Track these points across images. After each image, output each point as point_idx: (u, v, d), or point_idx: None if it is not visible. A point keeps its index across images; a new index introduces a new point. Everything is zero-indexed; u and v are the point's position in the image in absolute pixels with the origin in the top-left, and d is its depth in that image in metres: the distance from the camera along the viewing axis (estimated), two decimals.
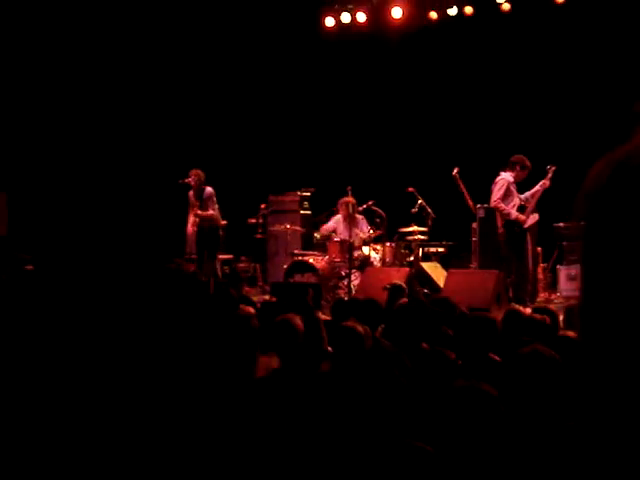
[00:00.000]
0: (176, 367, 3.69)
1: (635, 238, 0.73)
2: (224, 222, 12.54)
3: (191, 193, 11.70)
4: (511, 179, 10.11)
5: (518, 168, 10.08)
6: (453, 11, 13.47)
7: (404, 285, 7.94)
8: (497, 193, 10.06)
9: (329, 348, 4.96)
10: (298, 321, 4.36)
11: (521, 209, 10.07)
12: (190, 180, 11.53)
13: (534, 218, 10.14)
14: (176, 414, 3.40)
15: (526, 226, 10.06)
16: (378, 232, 11.71)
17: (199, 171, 11.63)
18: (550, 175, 10.03)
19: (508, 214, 9.99)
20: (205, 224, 11.61)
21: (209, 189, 11.66)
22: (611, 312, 0.76)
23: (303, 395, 3.58)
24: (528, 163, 10.10)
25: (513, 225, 10.03)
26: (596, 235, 0.77)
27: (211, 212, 11.60)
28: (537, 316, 4.90)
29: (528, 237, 10.14)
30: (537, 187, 10.09)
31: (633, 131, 0.80)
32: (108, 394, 3.48)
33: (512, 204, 10.07)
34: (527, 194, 10.21)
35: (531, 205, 10.08)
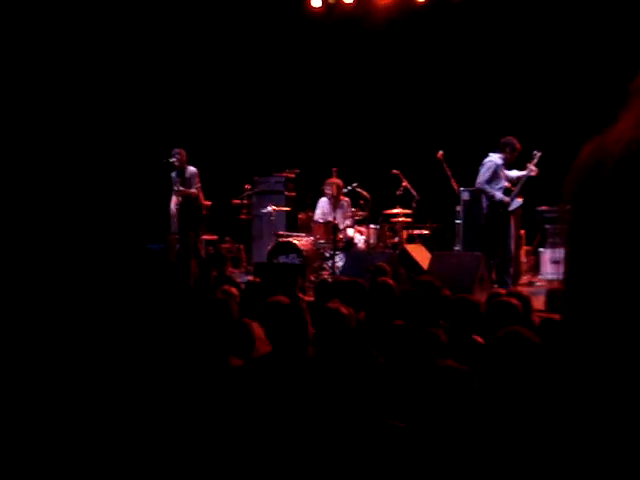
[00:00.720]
0: (154, 352, 3.68)
1: (618, 224, 0.74)
2: (208, 202, 12.52)
3: (174, 173, 11.65)
4: (500, 161, 10.08)
5: (508, 150, 10.04)
6: None
7: (387, 267, 7.95)
8: (483, 175, 10.06)
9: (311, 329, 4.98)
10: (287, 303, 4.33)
11: (507, 192, 10.08)
12: (174, 160, 11.49)
13: (518, 202, 10.14)
14: (157, 402, 3.40)
15: (510, 209, 10.08)
16: (362, 214, 11.73)
17: (182, 150, 11.58)
18: (535, 161, 9.98)
19: (492, 196, 10.00)
20: (188, 203, 11.57)
21: (192, 168, 11.62)
22: (594, 295, 0.77)
23: (291, 380, 3.59)
24: (518, 145, 10.06)
25: (498, 207, 10.04)
26: (582, 220, 0.78)
27: (193, 190, 11.56)
28: (514, 300, 4.93)
29: (512, 220, 10.16)
30: (523, 172, 10.06)
31: (619, 114, 0.80)
32: (93, 382, 3.48)
33: (498, 186, 10.07)
34: (515, 175, 10.16)
35: (516, 189, 10.08)
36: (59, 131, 13.24)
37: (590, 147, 0.78)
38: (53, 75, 13.27)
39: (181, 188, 11.51)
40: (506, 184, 10.10)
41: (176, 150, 11.54)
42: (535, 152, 10.03)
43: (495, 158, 10.08)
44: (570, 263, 0.81)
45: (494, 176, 10.05)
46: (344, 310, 4.59)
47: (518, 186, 10.07)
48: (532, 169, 9.97)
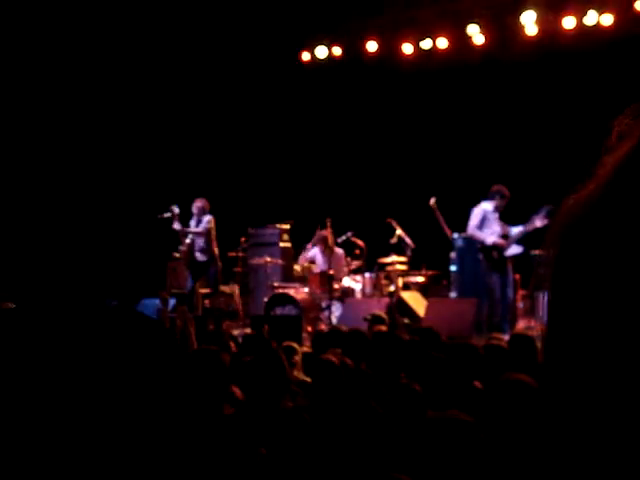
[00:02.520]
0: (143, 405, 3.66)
1: (589, 269, 0.78)
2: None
3: (193, 221, 11.71)
4: (490, 208, 10.25)
5: (498, 197, 10.24)
6: (427, 44, 13.66)
7: (384, 315, 7.97)
8: (472, 221, 10.25)
9: (308, 379, 4.98)
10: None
11: (503, 238, 10.19)
12: (169, 215, 11.58)
13: (517, 249, 10.23)
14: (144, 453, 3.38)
15: (507, 254, 10.16)
16: (358, 263, 11.77)
17: (204, 200, 11.71)
18: (544, 213, 9.98)
19: (483, 240, 10.13)
20: (198, 257, 11.63)
21: (209, 216, 11.75)
22: (575, 340, 0.80)
23: (268, 431, 3.57)
24: (507, 192, 10.23)
25: (491, 250, 10.14)
26: (559, 266, 0.82)
27: (199, 230, 11.62)
28: (514, 344, 4.95)
29: (509, 265, 10.22)
30: (527, 226, 10.10)
31: (596, 168, 0.85)
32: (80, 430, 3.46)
33: (490, 231, 10.18)
34: (518, 229, 10.24)
35: (514, 236, 10.19)
36: (54, 185, 13.29)
37: (568, 200, 0.84)
38: (43, 127, 13.37)
39: (183, 228, 11.52)
40: (499, 230, 10.19)
41: (198, 200, 11.63)
42: (544, 207, 10.01)
43: (485, 205, 10.23)
44: (550, 309, 0.85)
45: (484, 222, 10.19)
46: (336, 360, 4.59)
47: (517, 234, 10.15)
48: (538, 223, 9.97)
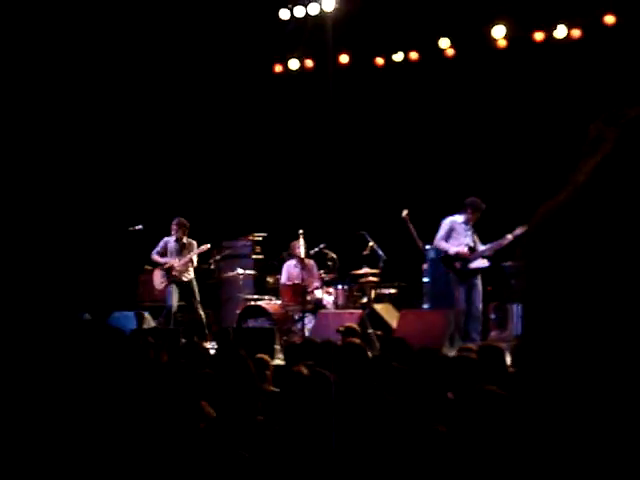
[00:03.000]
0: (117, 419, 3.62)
1: (562, 274, 0.78)
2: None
3: (171, 240, 11.73)
4: (459, 220, 10.31)
5: (470, 210, 10.30)
6: (399, 57, 13.74)
7: (357, 327, 7.97)
8: (439, 232, 10.40)
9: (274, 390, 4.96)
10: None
11: (470, 250, 10.24)
12: (140, 228, 11.60)
13: (482, 263, 10.30)
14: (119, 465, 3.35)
15: (473, 266, 10.21)
16: (330, 275, 11.77)
17: (185, 221, 11.76)
18: (517, 233, 10.02)
19: (446, 250, 10.18)
20: (185, 276, 11.67)
21: (193, 242, 11.84)
22: (546, 349, 0.80)
23: (240, 444, 3.55)
24: (480, 205, 10.28)
25: (453, 261, 10.22)
26: (534, 278, 0.82)
27: (190, 261, 11.72)
28: (483, 355, 4.97)
29: (476, 276, 10.28)
30: (499, 242, 10.20)
31: (571, 174, 0.86)
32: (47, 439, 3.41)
33: (458, 243, 10.24)
34: (488, 246, 10.33)
35: (483, 249, 10.26)
36: (31, 200, 13.18)
37: (542, 207, 0.84)
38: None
39: (179, 265, 11.59)
40: (468, 242, 10.24)
41: (182, 220, 11.68)
42: (519, 227, 10.03)
43: (455, 217, 10.31)
44: (526, 315, 0.85)
45: (451, 234, 10.28)
46: (305, 372, 4.57)
47: (487, 248, 10.22)
48: (508, 238, 10.08)
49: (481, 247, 10.34)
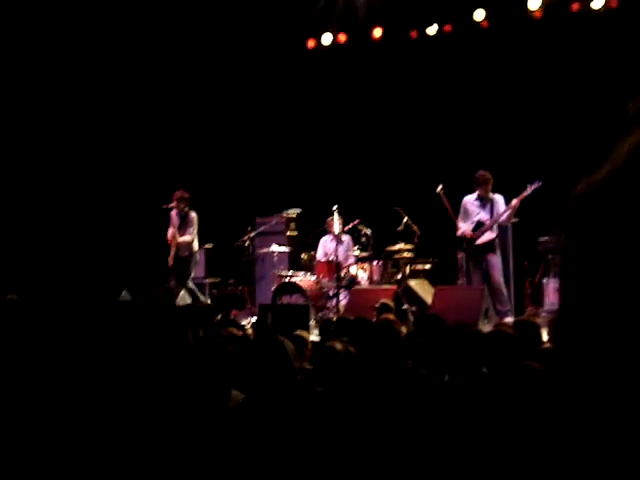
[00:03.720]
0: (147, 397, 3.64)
1: (605, 249, 0.75)
2: (209, 245, 12.59)
3: (174, 213, 11.70)
4: (470, 198, 10.44)
5: (476, 186, 10.34)
6: (433, 30, 13.58)
7: (391, 303, 7.95)
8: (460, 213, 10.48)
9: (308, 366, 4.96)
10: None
11: (479, 226, 10.25)
12: (173, 205, 11.57)
13: (490, 236, 10.25)
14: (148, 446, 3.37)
15: (481, 242, 10.18)
16: (365, 251, 11.74)
17: (184, 193, 11.62)
18: (524, 195, 10.05)
19: (457, 230, 10.40)
20: (182, 251, 11.62)
21: (193, 214, 11.68)
22: (585, 324, 0.78)
23: (273, 422, 3.54)
24: (484, 177, 10.29)
25: (461, 241, 10.38)
26: (573, 254, 0.79)
27: (187, 237, 11.60)
28: (519, 331, 4.93)
29: (489, 252, 10.27)
30: (505, 210, 10.23)
31: (610, 151, 0.83)
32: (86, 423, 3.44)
33: (470, 221, 10.37)
34: (495, 217, 10.31)
35: (489, 223, 10.24)
36: (60, 178, 13.31)
37: (581, 183, 0.81)
38: (51, 115, 13.39)
39: (179, 239, 11.53)
40: (478, 218, 10.27)
41: (178, 192, 11.59)
42: (528, 185, 10.09)
43: (467, 197, 10.44)
44: (564, 291, 0.83)
45: (465, 213, 10.43)
46: (340, 347, 4.56)
47: (492, 221, 10.23)
48: (513, 204, 10.09)
49: (485, 218, 10.33)
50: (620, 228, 0.73)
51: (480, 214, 10.36)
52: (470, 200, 10.45)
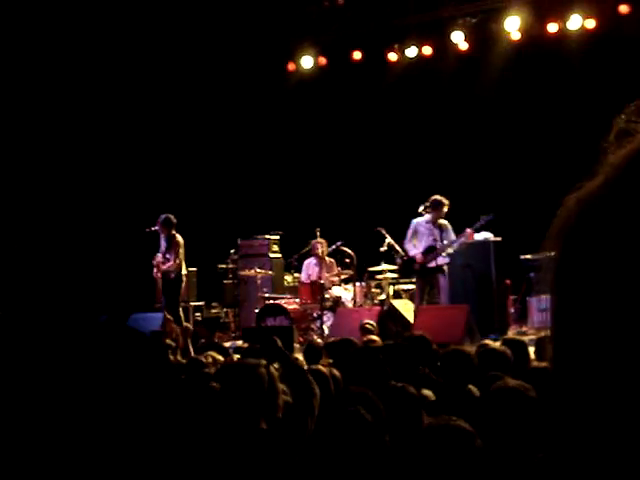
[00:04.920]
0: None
1: (600, 266, 0.76)
2: (193, 269, 12.53)
3: (161, 237, 11.62)
4: (421, 220, 10.65)
5: (430, 209, 10.61)
6: (412, 52, 13.71)
7: (374, 324, 7.95)
8: (406, 235, 10.75)
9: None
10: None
11: (431, 249, 10.45)
12: (157, 228, 11.47)
13: (441, 260, 10.51)
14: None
15: (432, 265, 10.42)
16: (348, 272, 11.75)
17: (168, 216, 11.51)
18: (478, 225, 10.39)
19: (406, 252, 10.67)
20: (168, 274, 11.52)
21: (178, 238, 11.55)
22: (583, 342, 0.78)
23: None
24: (440, 203, 10.44)
25: (412, 262, 10.59)
26: (566, 265, 0.80)
27: (169, 265, 11.46)
28: (507, 349, 4.93)
29: (437, 275, 10.50)
30: (459, 236, 10.44)
31: (598, 164, 0.84)
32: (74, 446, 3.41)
33: (419, 244, 10.57)
34: (446, 243, 10.56)
35: (440, 249, 10.46)
36: (45, 200, 13.24)
37: (570, 197, 0.82)
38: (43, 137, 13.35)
39: (162, 267, 11.41)
40: (429, 242, 10.51)
41: (162, 216, 11.48)
42: (482, 217, 10.32)
43: (418, 219, 10.66)
44: (557, 310, 0.83)
45: (414, 234, 10.64)
46: (324, 371, 4.55)
47: (445, 245, 10.37)
48: (466, 234, 10.28)
49: (441, 244, 10.51)
50: (618, 239, 0.73)
51: (429, 237, 10.49)
52: (421, 222, 10.67)
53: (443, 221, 10.60)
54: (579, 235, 0.76)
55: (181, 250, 11.51)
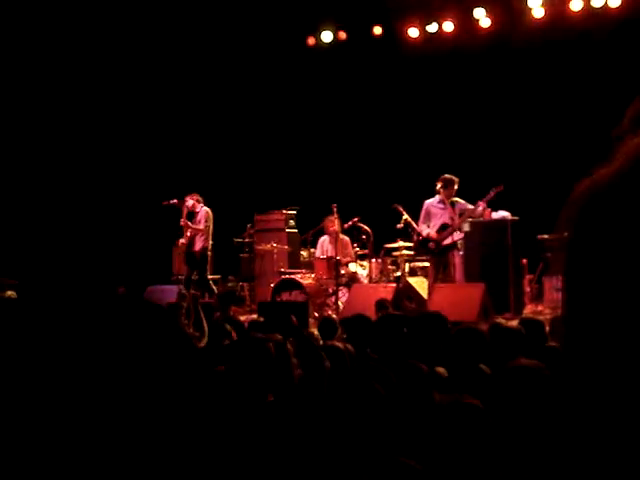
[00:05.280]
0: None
1: (615, 260, 0.76)
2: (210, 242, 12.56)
3: (185, 208, 11.72)
4: (432, 201, 10.57)
5: (440, 189, 10.52)
6: (433, 28, 13.61)
7: (389, 301, 7.95)
8: (421, 216, 10.68)
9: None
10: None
11: (444, 228, 10.40)
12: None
13: (458, 235, 10.45)
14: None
15: (446, 242, 10.25)
16: (364, 249, 11.75)
17: (195, 195, 11.69)
18: (487, 197, 10.29)
19: (420, 232, 10.57)
20: (194, 246, 11.61)
21: (205, 208, 11.73)
22: (594, 323, 0.78)
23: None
24: (449, 181, 10.42)
25: (427, 242, 10.52)
26: (579, 253, 0.79)
27: (198, 226, 11.60)
28: (521, 328, 4.93)
29: (454, 252, 10.46)
30: (470, 207, 10.35)
31: (613, 150, 0.83)
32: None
33: (432, 224, 10.49)
34: (461, 218, 10.51)
35: (455, 224, 10.31)
36: (62, 176, 13.30)
37: (584, 185, 0.81)
38: (55, 111, 13.39)
39: (188, 223, 11.54)
40: (442, 221, 10.46)
41: (190, 195, 11.65)
42: (493, 189, 10.24)
43: (430, 200, 10.59)
44: (569, 292, 0.83)
45: (427, 216, 10.59)
46: (340, 346, 4.57)
47: (457, 221, 10.33)
48: (478, 205, 10.35)
49: (454, 220, 10.47)
50: (628, 226, 0.73)
51: (443, 216, 10.45)
52: (433, 203, 10.61)
53: (455, 198, 10.55)
54: (590, 220, 0.76)
55: (210, 220, 11.65)
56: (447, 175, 10.53)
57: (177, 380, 3.95)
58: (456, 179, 10.48)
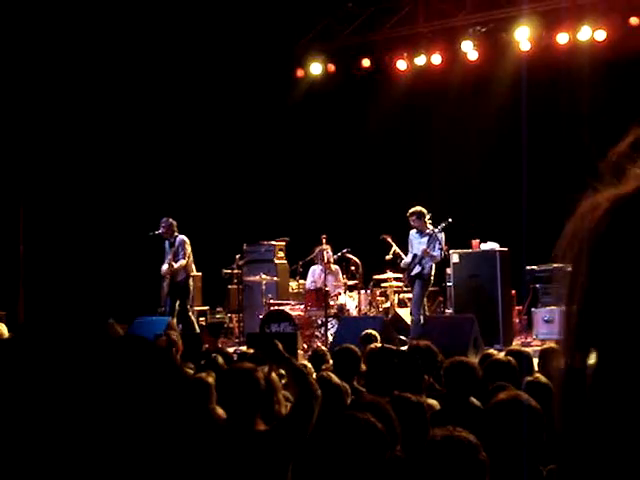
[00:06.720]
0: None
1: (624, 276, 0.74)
2: (198, 273, 12.46)
3: (166, 243, 11.57)
4: (413, 232, 10.72)
5: (414, 221, 10.65)
6: (421, 60, 13.72)
7: (376, 333, 7.91)
8: None
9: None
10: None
11: (413, 258, 10.58)
12: (161, 231, 11.42)
13: (416, 269, 10.55)
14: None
15: (412, 273, 10.52)
16: (353, 280, 11.73)
17: (170, 220, 11.46)
18: (439, 227, 10.48)
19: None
20: (176, 276, 11.44)
21: (180, 237, 11.48)
22: (606, 343, 0.76)
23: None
24: (419, 213, 10.56)
25: (403, 271, 10.91)
26: (597, 278, 0.77)
27: (181, 262, 11.37)
28: (511, 360, 4.91)
29: (415, 283, 10.49)
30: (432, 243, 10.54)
31: (619, 174, 0.82)
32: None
33: (410, 255, 10.71)
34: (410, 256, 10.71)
35: (417, 258, 10.54)
36: (52, 208, 13.25)
37: (589, 206, 0.79)
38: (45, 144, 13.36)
39: (173, 265, 11.33)
40: (415, 251, 10.61)
41: (163, 219, 11.44)
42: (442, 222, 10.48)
43: (412, 230, 10.77)
44: (590, 319, 0.80)
45: (410, 246, 10.77)
46: (336, 380, 4.54)
47: (413, 258, 10.55)
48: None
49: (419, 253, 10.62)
50: None
51: (421, 245, 10.54)
52: (412, 234, 10.76)
53: (429, 230, 10.56)
54: (621, 237, 0.73)
55: (188, 248, 11.45)
56: (418, 207, 10.67)
57: (173, 415, 3.91)
58: (425, 211, 10.58)
